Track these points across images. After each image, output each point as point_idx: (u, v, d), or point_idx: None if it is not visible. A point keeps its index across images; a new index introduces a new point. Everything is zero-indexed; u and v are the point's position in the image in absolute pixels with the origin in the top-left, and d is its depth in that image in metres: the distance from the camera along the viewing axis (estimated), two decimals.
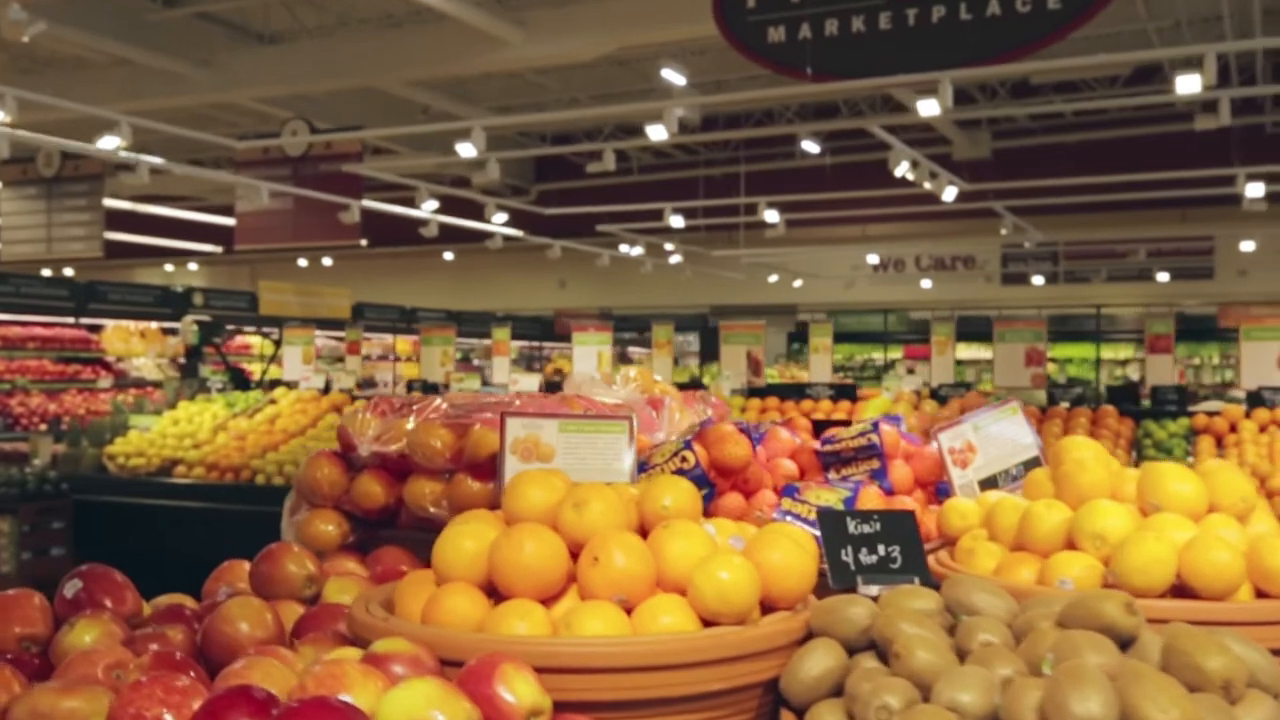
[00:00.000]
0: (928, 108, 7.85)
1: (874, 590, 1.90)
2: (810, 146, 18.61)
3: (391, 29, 15.04)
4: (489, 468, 2.30)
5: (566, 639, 1.63)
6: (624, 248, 20.69)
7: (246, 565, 2.10)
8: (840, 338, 18.46)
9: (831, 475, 2.11)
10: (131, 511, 6.76)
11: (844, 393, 6.06)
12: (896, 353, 21.12)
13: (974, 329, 18.07)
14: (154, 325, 13.17)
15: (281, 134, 14.08)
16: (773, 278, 21.56)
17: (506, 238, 19.20)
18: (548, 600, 1.75)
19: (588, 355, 6.81)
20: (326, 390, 7.42)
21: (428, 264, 24.87)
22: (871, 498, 2.34)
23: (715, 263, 21.32)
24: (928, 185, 12.71)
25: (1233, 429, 4.99)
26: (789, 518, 2.27)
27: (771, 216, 16.18)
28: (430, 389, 7.17)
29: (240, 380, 8.23)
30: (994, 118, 20.07)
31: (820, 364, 6.47)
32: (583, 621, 1.66)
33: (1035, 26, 7.32)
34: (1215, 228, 19.08)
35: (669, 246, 20.44)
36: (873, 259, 20.98)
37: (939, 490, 2.64)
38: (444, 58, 14.73)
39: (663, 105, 14.65)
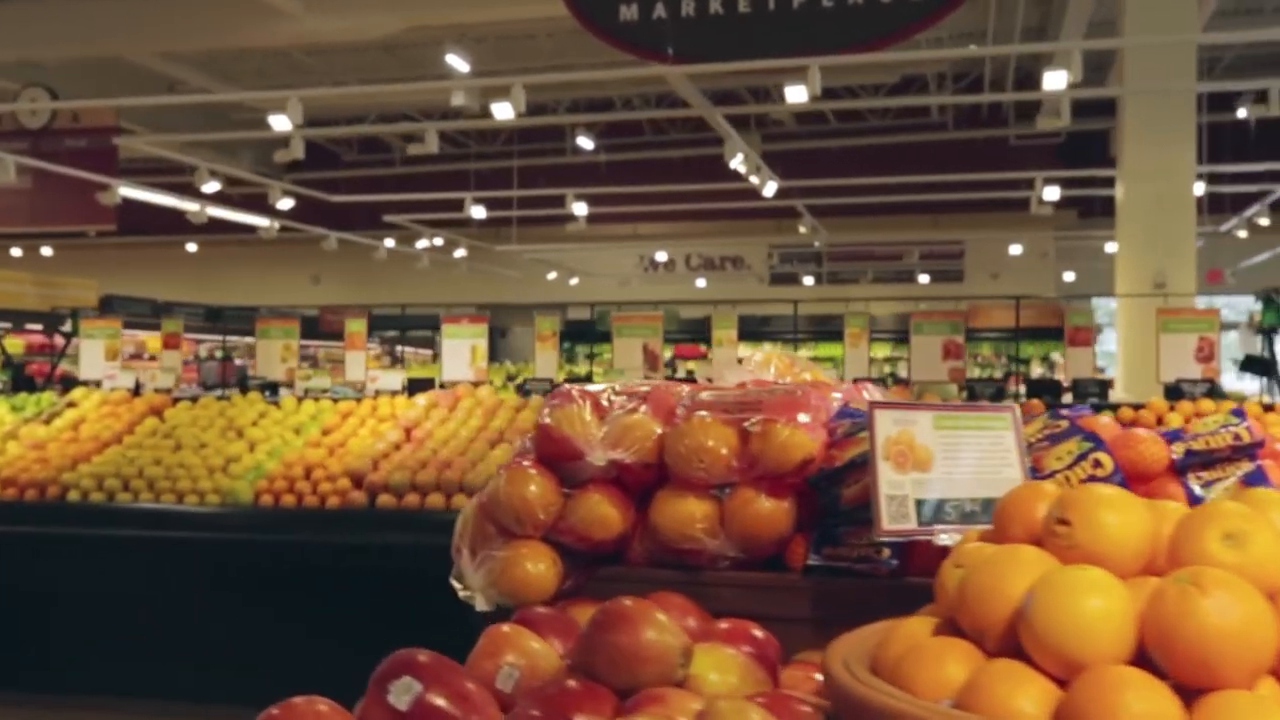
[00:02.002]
0: (795, 94, 7.68)
1: None
2: (585, 142, 18.33)
3: None
4: (786, 479, 1.78)
5: None
6: (389, 242, 19.68)
7: (521, 633, 1.44)
8: (605, 338, 18.22)
9: (1192, 481, 1.71)
10: None
11: None
12: (667, 351, 21.17)
13: (746, 328, 18.26)
14: None
15: (19, 100, 12.44)
16: (551, 275, 21.12)
17: (260, 229, 17.84)
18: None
19: (459, 350, 6.17)
20: (137, 391, 6.41)
21: (165, 256, 22.92)
22: None
23: (490, 259, 20.68)
24: (754, 179, 12.62)
25: (1160, 421, 4.99)
26: None
27: (580, 209, 15.73)
28: (270, 388, 6.31)
29: (23, 380, 7.02)
30: (761, 120, 20.45)
31: (728, 357, 6.12)
32: None
33: (898, 16, 7.27)
34: (964, 231, 20.16)
35: (438, 241, 19.63)
36: (661, 256, 20.92)
37: None
38: (214, 27, 13.44)
39: (449, 85, 14.01)
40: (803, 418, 1.78)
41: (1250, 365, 6.51)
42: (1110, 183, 16.21)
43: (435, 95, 17.42)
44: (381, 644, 4.55)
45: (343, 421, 5.93)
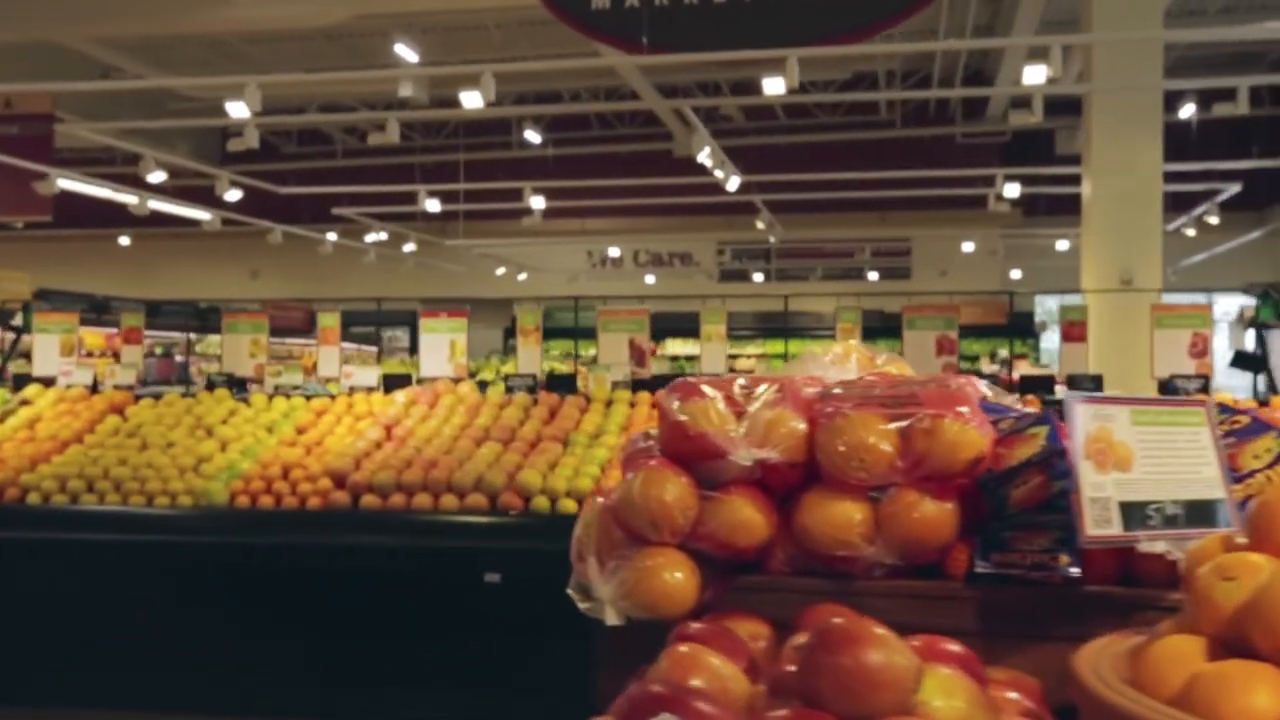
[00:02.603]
0: (773, 85, 7.55)
1: None
2: (533, 136, 18.08)
3: None
4: (954, 480, 1.62)
5: None
6: (331, 235, 19.24)
7: (704, 653, 1.25)
8: (558, 333, 18.03)
9: None
10: None
11: None
12: None
13: (691, 325, 18.17)
14: None
15: None
16: (500, 270, 20.81)
17: (203, 222, 17.35)
18: None
19: (438, 345, 5.94)
20: (95, 388, 6.09)
21: (98, 249, 22.23)
22: None
23: (437, 254, 20.35)
24: (719, 174, 12.49)
25: None
26: None
27: (538, 202, 15.47)
28: (238, 384, 6.03)
29: None
30: (711, 115, 20.35)
31: (715, 353, 5.96)
32: None
33: (876, 8, 7.18)
34: (911, 229, 20.25)
35: (382, 236, 19.23)
36: (611, 252, 20.70)
37: None
38: (153, 11, 12.98)
39: (416, 73, 13.72)
40: (962, 410, 1.63)
41: (1240, 361, 6.53)
42: (1058, 180, 16.40)
43: (382, 86, 17.11)
44: (379, 648, 4.31)
45: (318, 419, 5.69)
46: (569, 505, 4.75)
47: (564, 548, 4.54)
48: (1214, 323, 5.39)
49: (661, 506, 1.63)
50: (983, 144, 19.54)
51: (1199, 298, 12.09)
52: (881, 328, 20.44)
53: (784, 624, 1.42)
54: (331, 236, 18.97)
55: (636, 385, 5.67)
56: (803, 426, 1.69)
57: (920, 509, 1.62)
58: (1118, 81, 9.10)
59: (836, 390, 1.74)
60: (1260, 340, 6.24)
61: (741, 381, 1.76)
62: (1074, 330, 5.59)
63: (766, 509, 1.68)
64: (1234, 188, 14.81)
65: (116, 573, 4.89)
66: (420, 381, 5.95)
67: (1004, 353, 18.67)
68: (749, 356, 20.32)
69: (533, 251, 20.89)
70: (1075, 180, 16.19)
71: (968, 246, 18.34)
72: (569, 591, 1.68)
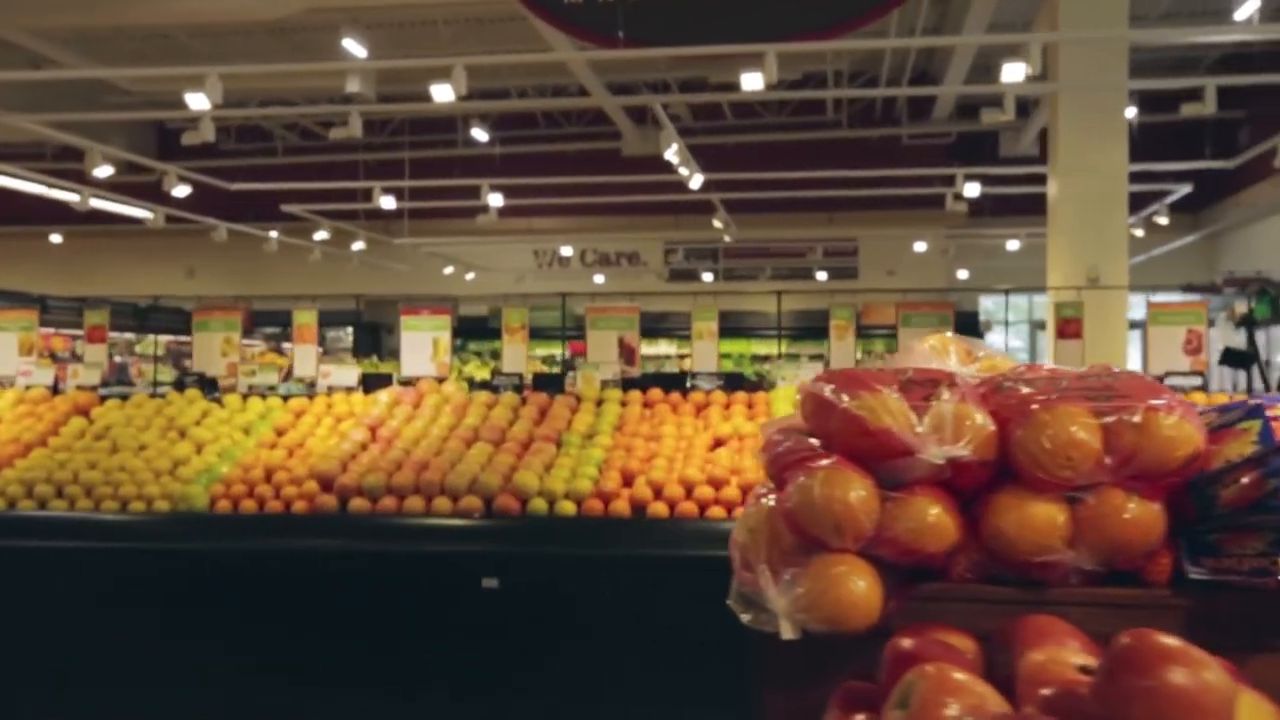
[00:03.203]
0: (751, 81, 7.47)
1: None
2: (479, 134, 17.87)
3: None
4: (1165, 479, 1.52)
5: None
6: (273, 233, 18.83)
7: (952, 672, 1.12)
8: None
9: None
10: None
11: (732, 383, 5.50)
12: (559, 349, 20.79)
13: (644, 325, 18.07)
14: None
15: None
16: (448, 270, 20.52)
17: (129, 219, 16.87)
18: None
19: (420, 343, 5.77)
20: (56, 389, 5.83)
21: (27, 247, 21.57)
22: None
23: (382, 253, 20.02)
24: (683, 172, 12.38)
25: None
26: None
27: (495, 200, 15.25)
28: (208, 383, 5.80)
29: None
30: (658, 116, 20.26)
31: (707, 352, 5.86)
32: None
33: (854, 4, 7.14)
34: (858, 229, 20.36)
35: (321, 236, 18.86)
36: (563, 251, 20.51)
37: None
38: (93, 1, 12.56)
39: (360, 65, 13.46)
40: (1167, 403, 1.53)
41: (1230, 358, 6.59)
42: (1006, 180, 16.58)
43: (328, 82, 16.78)
44: (372, 656, 4.14)
45: (296, 420, 5.49)
46: (567, 507, 4.62)
47: (566, 551, 4.42)
48: (1209, 321, 5.41)
49: (846, 509, 1.50)
50: (928, 145, 19.70)
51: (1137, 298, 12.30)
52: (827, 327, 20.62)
53: (982, 636, 1.31)
54: (272, 234, 18.58)
55: (626, 384, 5.56)
56: (988, 421, 1.57)
57: (1129, 510, 1.52)
58: (1083, 82, 9.17)
59: (1013, 384, 1.62)
60: (1250, 337, 6.30)
61: (910, 372, 1.63)
62: (1069, 327, 5.58)
63: (954, 510, 1.57)
64: (1185, 188, 15.07)
65: (89, 583, 4.66)
66: (403, 381, 5.77)
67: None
68: (689, 356, 20.29)
69: (480, 251, 20.66)
70: (1026, 180, 16.42)
71: (919, 246, 18.47)
72: (729, 604, 1.55)
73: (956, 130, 19.37)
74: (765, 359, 21.36)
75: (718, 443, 5.01)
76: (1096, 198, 9.46)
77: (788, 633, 1.45)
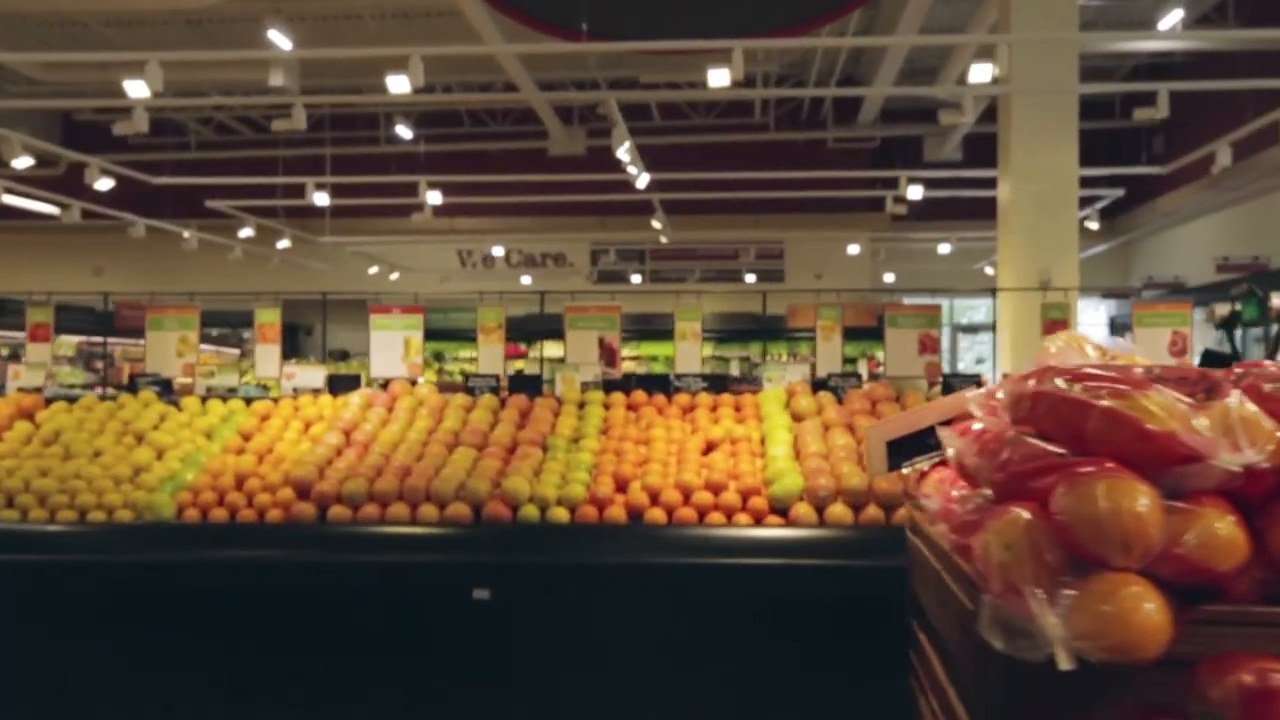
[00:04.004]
0: (718, 78, 7.36)
1: None
2: (403, 131, 17.51)
3: None
4: None
5: None
6: (187, 232, 18.21)
7: None
8: (431, 334, 17.51)
9: None
10: None
11: (715, 384, 5.38)
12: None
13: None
14: None
15: None
16: (373, 269, 20.06)
17: (29, 214, 16.16)
18: None
19: (390, 342, 5.53)
20: None
21: None
22: None
23: (304, 253, 19.50)
24: (632, 170, 12.23)
25: None
26: None
27: (433, 198, 14.90)
28: (164, 385, 5.48)
29: None
30: (585, 115, 20.12)
31: (690, 353, 5.71)
32: None
33: (817, 2, 7.09)
34: (784, 231, 20.44)
35: (246, 233, 18.31)
36: (490, 251, 20.17)
37: None
38: None
39: (268, 55, 13.04)
40: None
41: (1211, 360, 6.65)
42: (931, 184, 16.76)
43: (248, 75, 16.26)
44: (357, 671, 3.91)
45: (262, 424, 5.22)
46: (560, 514, 4.44)
47: (563, 560, 4.25)
48: (1193, 322, 5.44)
49: (1137, 523, 1.34)
50: (853, 149, 19.87)
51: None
52: (758, 329, 20.64)
53: None
54: (186, 234, 17.97)
55: (609, 386, 5.40)
56: (1276, 426, 1.44)
57: None
58: (1035, 85, 9.27)
59: (1271, 386, 1.50)
60: (1231, 339, 6.38)
61: (1157, 369, 1.50)
62: (1055, 328, 5.57)
63: (1242, 524, 1.43)
64: (1117, 192, 15.39)
65: (43, 600, 4.35)
66: (374, 383, 5.54)
67: (880, 355, 19.03)
68: (626, 359, 20.17)
69: (404, 250, 20.27)
70: (951, 184, 16.65)
71: (854, 249, 18.60)
72: (979, 631, 1.39)
73: (881, 135, 19.57)
74: (706, 360, 21.30)
75: (710, 446, 4.89)
76: (1047, 201, 9.57)
77: (1065, 663, 1.30)
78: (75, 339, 16.63)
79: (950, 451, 1.79)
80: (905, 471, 2.71)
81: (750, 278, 20.35)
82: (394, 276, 20.03)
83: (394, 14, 15.78)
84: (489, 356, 5.66)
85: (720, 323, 20.57)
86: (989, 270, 19.16)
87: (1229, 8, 13.48)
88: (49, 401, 5.36)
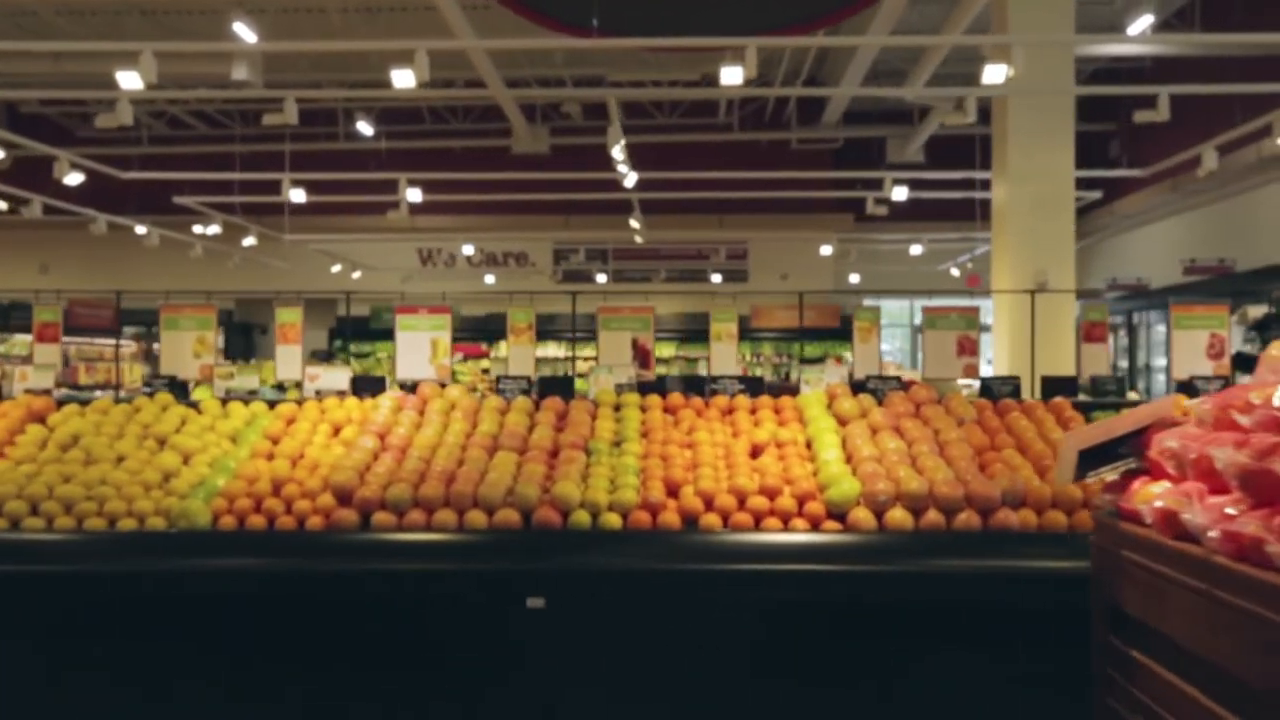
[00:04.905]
0: (731, 75, 7.27)
1: None
2: (365, 128, 17.23)
3: None
4: None
5: None
6: (140, 229, 17.76)
7: None
8: (387, 335, 17.34)
9: None
10: None
11: (753, 387, 5.30)
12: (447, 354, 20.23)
13: (544, 327, 17.78)
14: None
15: None
16: (335, 268, 19.72)
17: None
18: None
19: (417, 343, 5.39)
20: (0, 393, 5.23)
21: None
22: None
23: (265, 251, 19.12)
24: (622, 169, 12.11)
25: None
26: None
27: (414, 195, 14.64)
28: (179, 387, 5.29)
29: None
30: (548, 115, 19.97)
31: (726, 355, 5.63)
32: None
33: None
34: (749, 231, 20.46)
35: (214, 230, 17.91)
36: (468, 249, 19.92)
37: None
38: None
39: (232, 48, 12.76)
40: None
41: (1241, 363, 6.72)
42: (900, 184, 16.85)
43: (210, 68, 15.88)
44: (412, 684, 3.76)
45: (288, 428, 5.06)
46: (612, 520, 4.33)
47: (622, 567, 4.14)
48: (1231, 325, 5.47)
49: None
50: (816, 150, 19.94)
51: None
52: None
53: None
54: (141, 230, 17.52)
55: (645, 388, 5.30)
56: None
57: None
58: (1032, 87, 9.33)
59: None
60: (1264, 341, 6.44)
61: None
62: (1095, 331, 5.57)
63: None
64: (1095, 195, 15.57)
65: (69, 613, 4.16)
66: (403, 386, 5.39)
67: (847, 354, 19.10)
68: (586, 359, 20.04)
69: (364, 249, 19.97)
70: (920, 186, 16.74)
71: (825, 250, 18.65)
72: None
73: (844, 136, 19.64)
74: (669, 361, 21.20)
75: (755, 450, 4.81)
76: (1045, 201, 9.63)
77: None
78: (27, 338, 16.16)
79: (1220, 462, 1.75)
80: (1090, 480, 2.67)
81: (716, 278, 20.34)
82: (356, 275, 19.73)
83: (358, 9, 15.52)
84: (519, 357, 5.54)
85: (683, 323, 20.54)
86: (954, 272, 19.33)
87: (1194, 13, 13.71)
88: (60, 404, 5.15)
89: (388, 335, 17.69)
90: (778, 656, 4.13)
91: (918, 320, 22.23)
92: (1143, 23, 12.40)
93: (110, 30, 15.99)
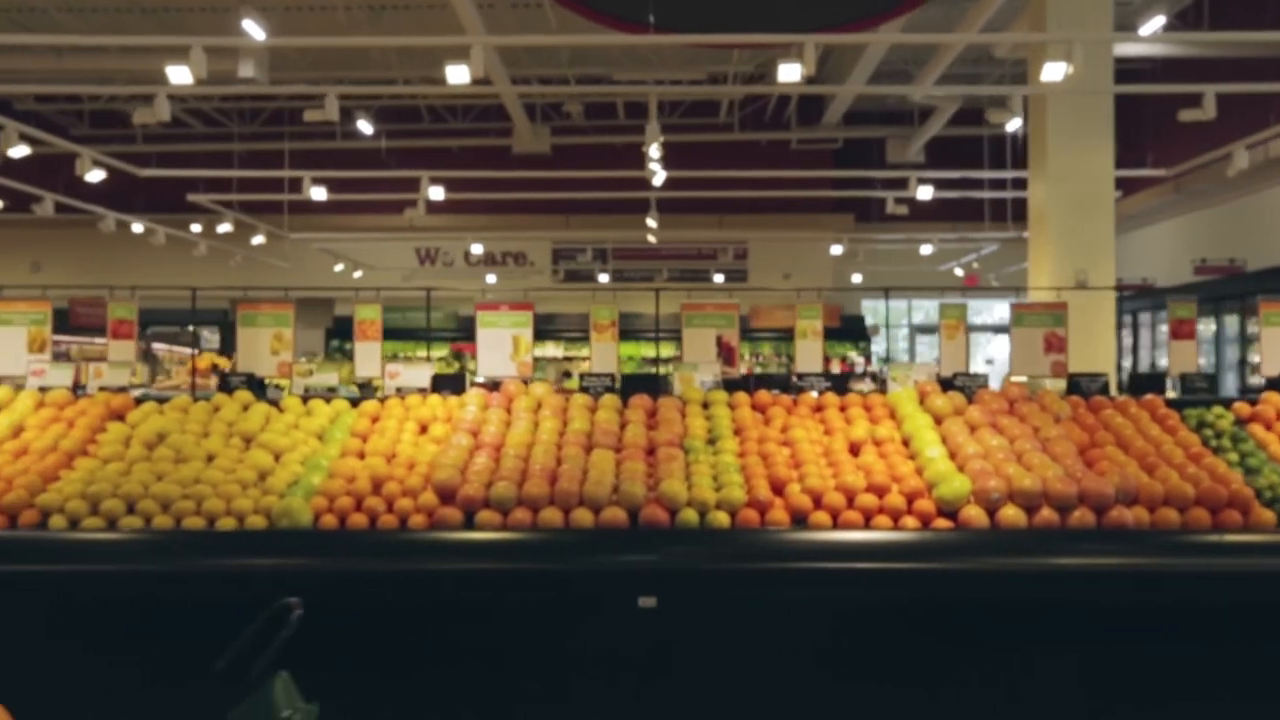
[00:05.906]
0: (789, 73, 7.22)
1: None
2: (364, 126, 17.11)
3: None
4: None
5: None
6: (138, 227, 17.56)
7: None
8: (391, 333, 17.18)
9: None
10: None
11: (837, 383, 5.27)
12: (443, 350, 20.14)
13: (543, 327, 17.71)
14: None
15: None
16: (338, 267, 19.57)
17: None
18: None
19: (498, 341, 5.32)
20: (78, 390, 5.12)
21: None
22: None
23: (265, 250, 18.94)
24: (653, 168, 12.05)
25: (1279, 415, 4.96)
26: None
27: (436, 193, 14.52)
28: (257, 385, 5.20)
29: None
30: (548, 114, 19.91)
31: (811, 352, 5.60)
32: None
33: None
34: (749, 231, 20.47)
35: (221, 227, 17.73)
36: (476, 249, 19.80)
37: None
38: None
39: (238, 43, 12.64)
40: None
41: None
42: (893, 185, 16.91)
43: (213, 66, 15.68)
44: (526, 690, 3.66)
45: (374, 425, 4.98)
46: (720, 518, 4.28)
47: (730, 566, 4.09)
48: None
49: None
50: (816, 150, 19.98)
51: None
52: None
53: None
54: (138, 228, 17.30)
55: (730, 385, 5.26)
56: None
57: None
58: (1069, 86, 9.36)
59: None
60: None
61: None
62: (1183, 328, 5.56)
63: None
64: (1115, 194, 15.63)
65: (195, 615, 4.07)
66: (489, 384, 5.32)
67: (854, 355, 19.17)
68: (584, 359, 19.99)
69: (363, 248, 19.82)
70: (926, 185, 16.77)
71: (836, 250, 18.68)
72: None
73: (844, 136, 19.69)
74: (654, 361, 21.15)
75: (853, 447, 4.78)
76: (1085, 201, 9.67)
77: None
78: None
79: None
80: None
81: (718, 277, 20.35)
82: (358, 274, 19.59)
83: (362, 6, 15.39)
84: (602, 355, 5.49)
85: (679, 322, 20.46)
86: (958, 272, 19.41)
87: (1201, 12, 13.82)
88: (138, 402, 5.05)
89: (391, 335, 17.61)
90: (894, 657, 4.10)
91: (917, 320, 22.33)
92: (1155, 23, 12.49)
93: (111, 27, 15.80)
